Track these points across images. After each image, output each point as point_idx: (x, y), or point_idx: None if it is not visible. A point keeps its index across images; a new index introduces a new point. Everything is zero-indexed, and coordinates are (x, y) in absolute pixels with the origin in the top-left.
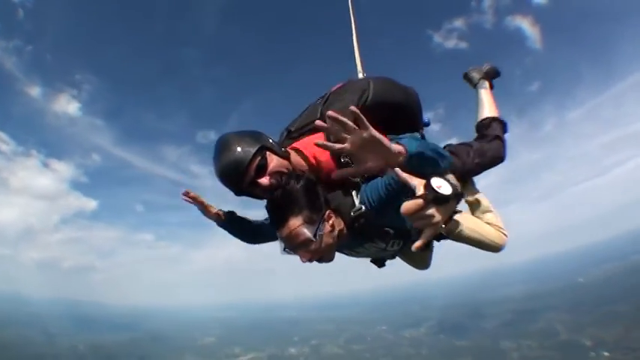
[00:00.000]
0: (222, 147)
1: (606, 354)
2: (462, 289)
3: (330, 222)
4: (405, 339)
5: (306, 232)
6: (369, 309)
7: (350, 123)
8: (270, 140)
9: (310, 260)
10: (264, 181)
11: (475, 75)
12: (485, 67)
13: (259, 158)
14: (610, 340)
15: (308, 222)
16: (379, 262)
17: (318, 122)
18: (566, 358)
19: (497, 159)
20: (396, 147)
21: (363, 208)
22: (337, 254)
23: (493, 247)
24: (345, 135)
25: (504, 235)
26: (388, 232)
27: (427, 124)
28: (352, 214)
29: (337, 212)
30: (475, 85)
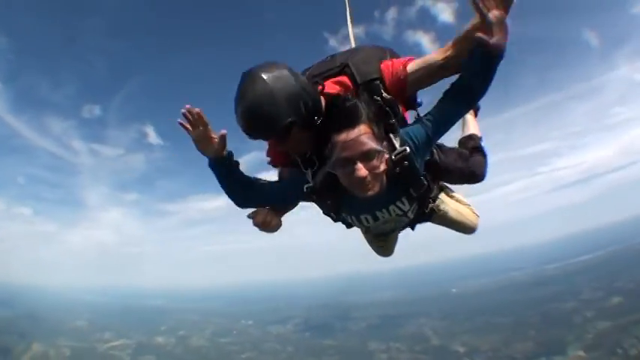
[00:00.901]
0: (261, 91)
1: None
2: (328, 290)
3: (385, 156)
4: (271, 335)
5: (373, 143)
6: (235, 303)
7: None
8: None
9: (366, 177)
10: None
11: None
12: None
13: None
14: (486, 349)
15: (376, 136)
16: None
17: None
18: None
19: (479, 175)
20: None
21: (408, 149)
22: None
23: (470, 228)
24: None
25: (477, 215)
26: (423, 181)
27: (420, 105)
28: (394, 156)
29: None
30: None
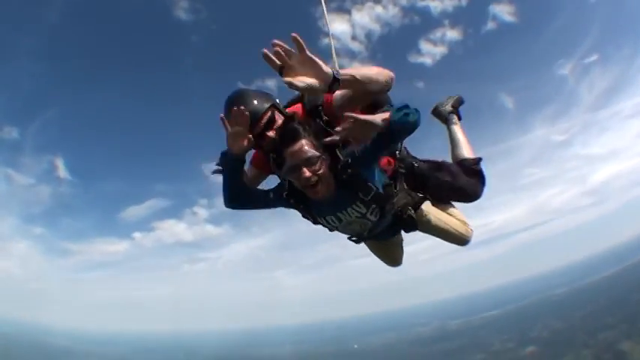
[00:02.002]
0: (238, 98)
1: None
2: (228, 343)
3: (326, 162)
4: None
5: (313, 151)
6: (138, 351)
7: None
8: (277, 101)
9: (310, 177)
10: (271, 134)
11: (443, 110)
12: (450, 100)
13: (269, 113)
14: None
15: (315, 147)
16: (358, 238)
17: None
18: None
19: (470, 194)
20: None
21: (349, 159)
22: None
23: (460, 239)
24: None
25: (470, 229)
26: (371, 187)
27: None
28: (339, 166)
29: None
30: (446, 121)
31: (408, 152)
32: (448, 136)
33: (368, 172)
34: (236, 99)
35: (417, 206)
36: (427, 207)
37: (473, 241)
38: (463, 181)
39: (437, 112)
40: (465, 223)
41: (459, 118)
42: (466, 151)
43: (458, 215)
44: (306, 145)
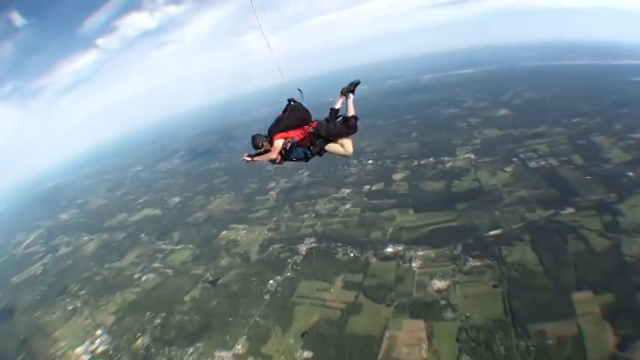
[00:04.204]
0: (253, 136)
1: (370, 162)
2: (209, 118)
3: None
4: (160, 173)
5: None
6: (121, 154)
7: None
8: (264, 136)
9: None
10: (265, 147)
11: (344, 90)
12: (351, 85)
13: (261, 143)
14: (371, 150)
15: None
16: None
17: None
18: (323, 165)
19: (352, 130)
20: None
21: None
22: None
23: (345, 155)
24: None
25: (348, 151)
26: (295, 156)
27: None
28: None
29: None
30: (345, 95)
31: (320, 123)
32: (346, 104)
33: (292, 153)
34: (252, 138)
35: (323, 145)
36: (330, 144)
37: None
38: (344, 129)
39: (342, 92)
40: (347, 148)
41: (353, 94)
42: (352, 111)
43: (346, 144)
44: (272, 152)
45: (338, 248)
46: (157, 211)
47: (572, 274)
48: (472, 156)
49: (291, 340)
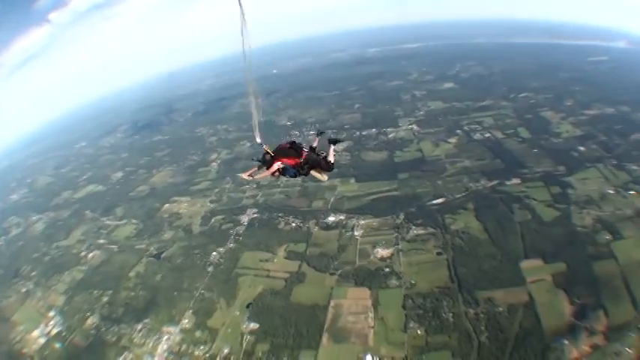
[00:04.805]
0: (264, 155)
1: (312, 132)
2: (151, 91)
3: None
4: (104, 148)
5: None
6: (65, 132)
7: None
8: (270, 156)
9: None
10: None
11: (332, 140)
12: (334, 137)
13: (267, 159)
14: (313, 121)
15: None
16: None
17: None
18: (264, 136)
19: (328, 169)
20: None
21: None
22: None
23: (320, 180)
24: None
25: (324, 179)
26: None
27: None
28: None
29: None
30: (330, 144)
31: (309, 153)
32: (328, 149)
33: (286, 172)
34: (262, 155)
35: (309, 170)
36: (312, 171)
37: None
38: (323, 164)
39: (329, 141)
40: (323, 177)
41: (334, 144)
42: (331, 158)
43: (324, 174)
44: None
45: (280, 218)
46: (101, 187)
47: (519, 242)
48: (415, 127)
49: (237, 312)
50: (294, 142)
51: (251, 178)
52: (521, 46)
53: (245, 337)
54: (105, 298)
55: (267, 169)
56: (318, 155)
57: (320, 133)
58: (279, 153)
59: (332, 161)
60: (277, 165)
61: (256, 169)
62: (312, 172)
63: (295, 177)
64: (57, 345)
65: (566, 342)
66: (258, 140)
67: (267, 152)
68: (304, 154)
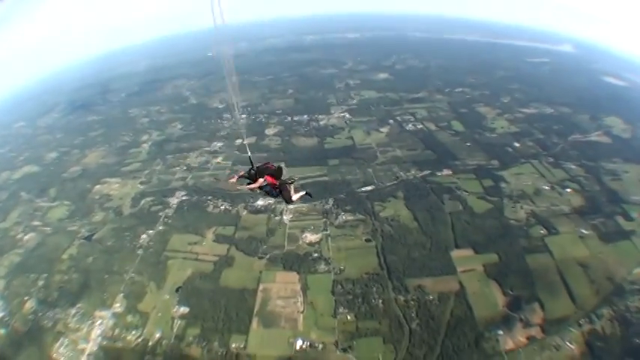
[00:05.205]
0: (260, 169)
1: (244, 116)
2: (88, 71)
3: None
4: (40, 128)
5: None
6: (6, 112)
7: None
8: (259, 172)
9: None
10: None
11: (305, 191)
12: (307, 193)
13: (258, 174)
14: (245, 105)
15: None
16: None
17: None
18: (196, 118)
19: (286, 202)
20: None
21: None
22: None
23: (290, 203)
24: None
25: (294, 200)
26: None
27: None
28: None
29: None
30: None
31: (281, 182)
32: (299, 191)
33: (265, 188)
34: (257, 168)
35: (280, 193)
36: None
37: None
38: (288, 197)
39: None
40: (293, 198)
41: (299, 192)
42: (294, 196)
43: (296, 196)
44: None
45: (209, 201)
46: (36, 168)
47: (449, 232)
48: (347, 115)
49: (167, 296)
50: (281, 167)
51: (235, 184)
52: (461, 42)
53: (176, 321)
54: (41, 282)
55: (253, 181)
56: (288, 184)
57: (306, 192)
58: (263, 171)
59: (293, 199)
60: (262, 181)
61: (237, 178)
62: (282, 194)
63: (272, 196)
64: (1, 331)
65: (500, 332)
66: (249, 153)
67: (252, 168)
68: (277, 181)
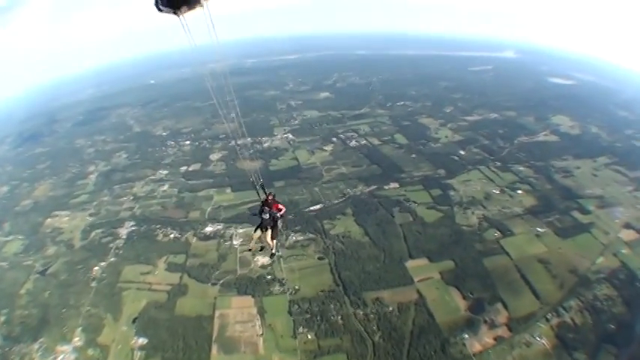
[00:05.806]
0: (266, 202)
1: (187, 142)
2: (36, 101)
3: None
4: None
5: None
6: None
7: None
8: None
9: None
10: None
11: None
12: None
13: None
14: (188, 131)
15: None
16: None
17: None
18: (141, 147)
19: (274, 239)
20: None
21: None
22: None
23: (271, 247)
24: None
25: (273, 244)
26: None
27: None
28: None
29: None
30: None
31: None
32: (275, 227)
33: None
34: (273, 196)
35: (275, 222)
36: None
37: None
38: (275, 235)
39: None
40: (271, 243)
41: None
42: (272, 242)
43: (273, 241)
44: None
45: (158, 230)
46: None
47: (402, 243)
48: (290, 136)
49: (125, 328)
50: (274, 195)
51: (259, 245)
52: (402, 57)
53: (135, 352)
54: (2, 317)
55: (260, 214)
56: (270, 222)
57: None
58: (266, 204)
59: (269, 243)
60: (281, 207)
61: (255, 236)
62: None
63: (262, 225)
64: None
65: (466, 336)
66: (262, 197)
67: (266, 196)
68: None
